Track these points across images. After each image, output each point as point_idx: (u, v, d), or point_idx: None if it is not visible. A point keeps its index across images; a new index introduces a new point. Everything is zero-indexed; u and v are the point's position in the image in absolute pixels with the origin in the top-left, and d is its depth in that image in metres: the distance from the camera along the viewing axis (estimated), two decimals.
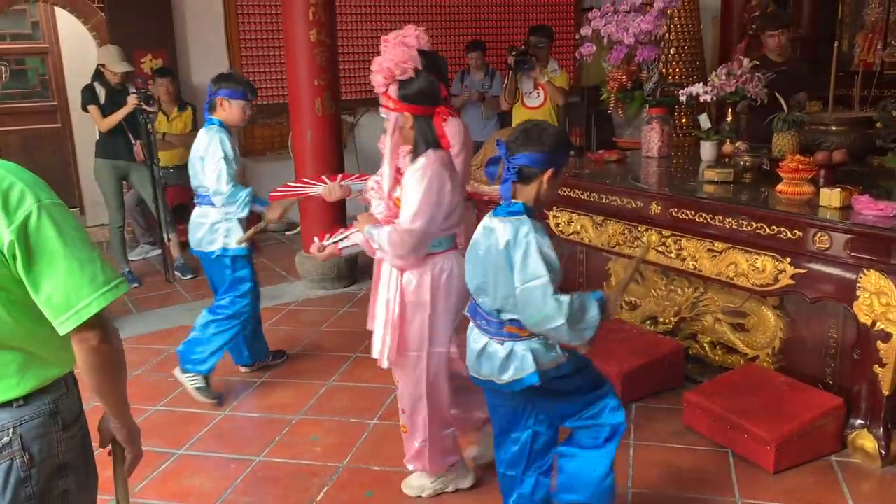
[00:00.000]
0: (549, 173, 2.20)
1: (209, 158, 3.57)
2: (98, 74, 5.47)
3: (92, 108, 5.42)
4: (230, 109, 3.64)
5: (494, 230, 2.22)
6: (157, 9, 6.47)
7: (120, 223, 5.61)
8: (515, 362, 2.23)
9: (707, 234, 3.41)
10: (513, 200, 2.22)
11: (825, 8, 7.12)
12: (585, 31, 4.54)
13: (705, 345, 3.78)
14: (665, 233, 3.58)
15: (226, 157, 3.55)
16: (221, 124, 3.65)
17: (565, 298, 2.11)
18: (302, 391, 3.82)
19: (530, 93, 5.85)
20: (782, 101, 3.98)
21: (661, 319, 3.97)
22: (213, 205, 3.65)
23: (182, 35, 6.69)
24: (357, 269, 5.54)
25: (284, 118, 6.72)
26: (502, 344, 2.25)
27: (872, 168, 3.90)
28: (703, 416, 3.20)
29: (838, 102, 4.33)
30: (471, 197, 4.92)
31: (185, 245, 6.02)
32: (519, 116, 5.87)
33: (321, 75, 5.09)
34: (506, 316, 2.23)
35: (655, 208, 3.61)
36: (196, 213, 3.76)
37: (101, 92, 5.43)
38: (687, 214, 3.47)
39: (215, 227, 3.67)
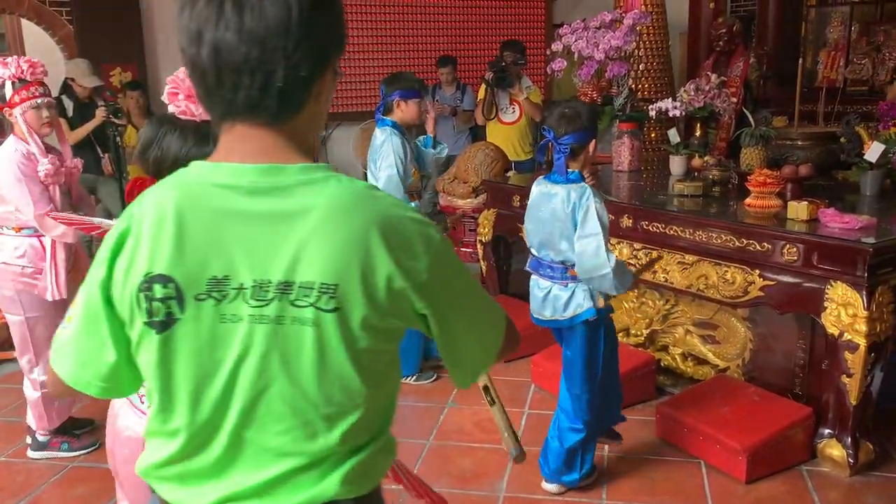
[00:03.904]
0: (592, 144, 2.72)
1: (381, 160, 3.73)
2: (66, 87, 5.40)
3: (60, 121, 5.33)
4: (407, 109, 3.79)
5: (556, 195, 2.71)
6: (127, 21, 6.41)
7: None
8: (576, 300, 2.76)
9: (677, 246, 3.45)
10: (568, 170, 2.70)
11: (789, 26, 7.28)
12: (556, 46, 4.59)
13: (677, 356, 3.82)
14: (636, 245, 3.62)
15: (395, 164, 3.71)
16: (395, 125, 3.78)
17: (613, 254, 2.65)
18: None
19: (505, 108, 5.88)
20: (749, 117, 4.06)
21: (633, 331, 4.00)
22: None
23: (152, 48, 6.63)
24: None
25: None
26: (566, 286, 2.78)
27: (837, 182, 3.98)
28: (676, 427, 3.23)
29: (803, 118, 4.42)
30: (444, 211, 4.95)
31: None
32: (494, 132, 5.89)
33: None
34: (569, 263, 2.75)
35: (626, 221, 3.65)
36: None
37: (69, 105, 5.35)
38: (657, 227, 3.52)
39: None
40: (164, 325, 1.02)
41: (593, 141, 2.73)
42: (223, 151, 1.05)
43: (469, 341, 1.15)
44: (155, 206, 1.03)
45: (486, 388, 1.49)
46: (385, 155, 3.70)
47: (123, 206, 4.39)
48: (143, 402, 1.74)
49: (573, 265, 2.75)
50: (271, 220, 1.00)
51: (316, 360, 1.01)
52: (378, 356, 1.06)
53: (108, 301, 1.07)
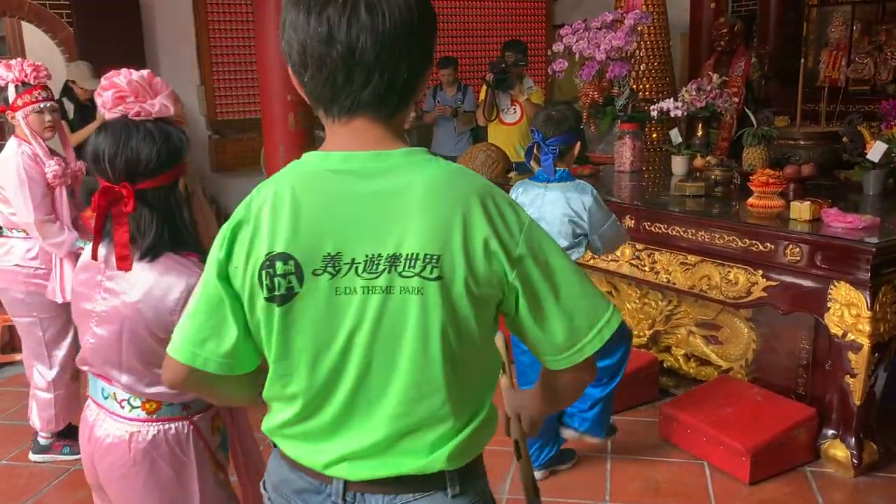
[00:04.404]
0: (577, 145, 2.88)
1: None
2: (66, 90, 5.40)
3: (63, 124, 5.34)
4: None
5: (552, 193, 2.80)
6: (127, 23, 6.40)
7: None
8: None
9: (680, 247, 3.44)
10: (556, 170, 2.81)
11: (790, 25, 7.28)
12: (557, 47, 4.58)
13: (679, 357, 3.81)
14: (639, 246, 3.61)
15: None
16: None
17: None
18: None
19: (507, 109, 5.86)
20: (751, 117, 4.05)
21: (636, 332, 3.99)
22: None
23: (152, 50, 6.63)
24: None
25: (256, 133, 6.67)
26: None
27: (840, 182, 3.97)
28: (679, 428, 3.22)
29: (805, 117, 4.41)
30: None
31: None
32: (495, 133, 5.87)
33: (294, 90, 5.04)
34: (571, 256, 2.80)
35: (629, 222, 3.64)
36: None
37: (69, 108, 5.35)
38: (660, 228, 3.51)
39: None
40: (285, 298, 1.11)
41: (578, 142, 2.89)
42: (335, 141, 1.13)
43: (557, 323, 1.16)
44: (273, 194, 1.12)
45: (516, 443, 1.52)
46: None
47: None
48: (122, 408, 1.68)
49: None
50: (379, 198, 1.08)
51: (420, 326, 1.09)
52: (475, 322, 1.12)
53: (227, 280, 1.16)
